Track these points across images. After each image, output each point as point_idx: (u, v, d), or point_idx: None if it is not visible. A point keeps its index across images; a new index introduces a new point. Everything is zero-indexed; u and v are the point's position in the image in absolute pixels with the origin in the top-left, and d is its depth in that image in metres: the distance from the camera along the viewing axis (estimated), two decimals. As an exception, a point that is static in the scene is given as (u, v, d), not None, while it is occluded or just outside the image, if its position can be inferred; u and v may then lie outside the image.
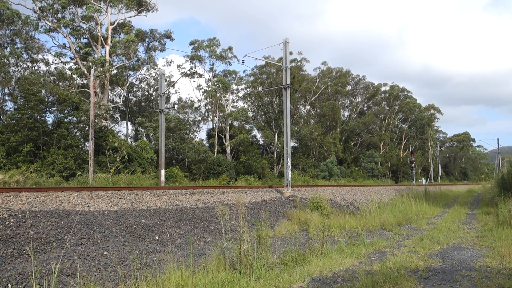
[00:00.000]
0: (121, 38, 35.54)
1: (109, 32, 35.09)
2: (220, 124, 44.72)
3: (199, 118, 45.89)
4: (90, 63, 32.06)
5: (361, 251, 8.95)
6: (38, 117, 27.08)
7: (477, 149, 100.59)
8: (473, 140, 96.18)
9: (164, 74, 28.76)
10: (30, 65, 34.57)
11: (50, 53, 35.16)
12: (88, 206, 11.82)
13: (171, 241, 10.82)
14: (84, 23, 34.56)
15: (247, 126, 49.48)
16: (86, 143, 29.51)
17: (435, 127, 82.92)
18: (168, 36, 41.07)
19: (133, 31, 36.91)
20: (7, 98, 31.43)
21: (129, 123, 45.67)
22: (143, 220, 11.51)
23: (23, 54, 33.19)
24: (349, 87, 63.09)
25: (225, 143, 44.23)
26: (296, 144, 53.97)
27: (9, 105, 31.47)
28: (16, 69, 33.34)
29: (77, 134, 29.19)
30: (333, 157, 50.84)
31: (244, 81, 49.80)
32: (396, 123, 70.53)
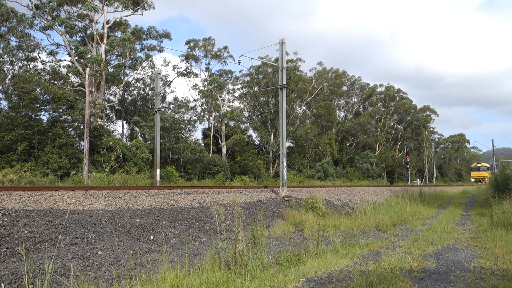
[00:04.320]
0: (117, 36, 35.41)
1: (105, 30, 34.95)
2: (216, 124, 44.68)
3: (195, 118, 45.86)
4: (86, 62, 31.92)
5: (356, 251, 8.96)
6: (32, 115, 26.93)
7: (472, 150, 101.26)
8: (468, 142, 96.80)
9: (160, 73, 28.70)
10: (25, 63, 34.37)
11: (45, 51, 34.94)
12: (83, 206, 11.75)
13: (166, 241, 10.79)
14: (80, 21, 34.38)
15: (242, 126, 49.50)
16: (81, 142, 29.38)
17: (431, 128, 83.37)
18: (166, 35, 40.98)
19: (129, 29, 36.76)
20: (1, 96, 31.24)
21: (124, 122, 45.53)
22: (138, 220, 11.47)
23: (18, 51, 32.98)
24: (344, 88, 63.23)
25: (220, 143, 44.19)
26: (291, 145, 54.02)
27: (3, 103, 31.28)
28: (11, 67, 33.14)
29: (72, 133, 29.06)
30: (329, 157, 50.94)
31: (240, 81, 49.85)
32: (392, 124, 70.81)
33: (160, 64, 40.85)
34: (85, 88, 27.49)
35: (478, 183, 64.10)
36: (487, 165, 69.68)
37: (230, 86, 47.83)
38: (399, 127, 72.78)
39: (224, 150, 43.78)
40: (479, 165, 71.69)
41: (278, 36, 20.17)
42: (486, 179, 65.54)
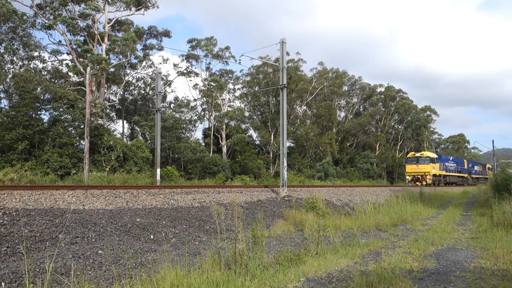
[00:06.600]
0: (119, 36, 35.39)
1: (106, 30, 34.95)
2: (216, 124, 44.69)
3: (195, 118, 45.87)
4: (87, 61, 31.92)
5: (356, 251, 8.96)
6: (33, 115, 26.95)
7: (472, 150, 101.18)
8: (468, 142, 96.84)
9: (160, 73, 28.70)
10: (26, 62, 34.39)
11: (46, 50, 34.95)
12: (83, 205, 11.76)
13: (166, 240, 10.79)
14: (81, 21, 34.38)
15: (243, 126, 49.51)
16: (81, 142, 29.38)
17: (431, 129, 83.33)
18: (165, 34, 41.02)
19: (132, 29, 36.74)
20: (2, 95, 31.25)
21: (125, 121, 45.57)
22: (138, 219, 11.47)
23: (19, 51, 32.98)
24: (345, 88, 63.26)
25: (221, 142, 44.20)
26: (292, 144, 54.03)
27: (4, 103, 31.29)
28: (12, 66, 33.15)
29: (73, 132, 29.07)
30: (329, 157, 50.95)
31: (241, 81, 49.84)
32: (392, 124, 70.77)
33: (158, 62, 40.93)
34: (85, 88, 27.50)
35: (417, 183, 42.21)
36: (432, 154, 45.60)
37: (231, 86, 47.87)
38: (399, 127, 72.74)
39: (224, 149, 43.79)
40: (418, 154, 44.87)
41: (276, 35, 20.35)
42: (429, 177, 43.08)
